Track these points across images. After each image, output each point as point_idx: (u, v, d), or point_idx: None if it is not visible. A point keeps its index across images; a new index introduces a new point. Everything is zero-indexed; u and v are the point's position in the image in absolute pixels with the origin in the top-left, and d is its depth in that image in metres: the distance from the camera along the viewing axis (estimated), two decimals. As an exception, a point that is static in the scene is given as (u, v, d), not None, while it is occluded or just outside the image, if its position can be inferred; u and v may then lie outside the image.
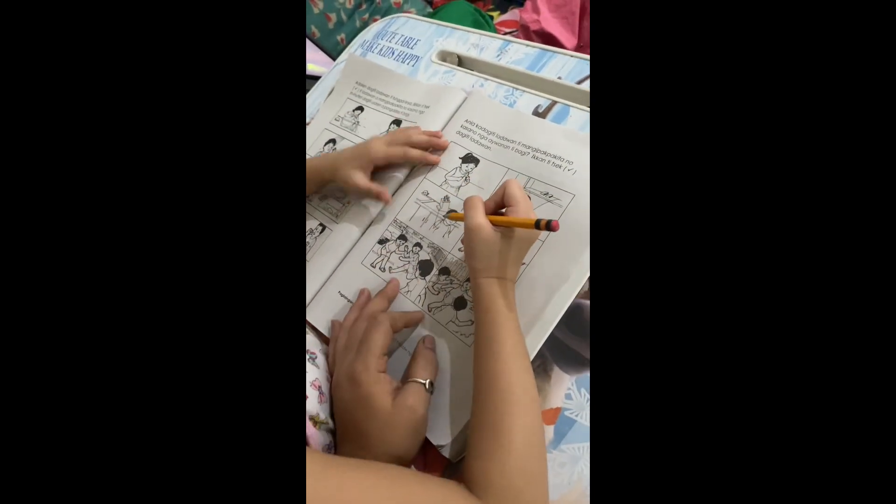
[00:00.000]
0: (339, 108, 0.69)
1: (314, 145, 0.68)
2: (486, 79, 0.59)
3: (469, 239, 0.42)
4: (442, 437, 0.42)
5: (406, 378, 0.42)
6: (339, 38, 1.29)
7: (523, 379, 0.38)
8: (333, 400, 0.44)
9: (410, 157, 0.55)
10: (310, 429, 0.41)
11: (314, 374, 0.46)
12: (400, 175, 0.57)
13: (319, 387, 0.45)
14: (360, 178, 0.54)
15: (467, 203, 0.43)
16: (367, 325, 0.45)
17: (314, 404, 0.42)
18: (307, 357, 0.47)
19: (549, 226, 0.37)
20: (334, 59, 1.15)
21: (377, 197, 0.55)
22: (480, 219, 0.41)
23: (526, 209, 0.42)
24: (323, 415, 0.43)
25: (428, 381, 0.42)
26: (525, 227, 0.40)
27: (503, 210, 0.43)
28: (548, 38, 0.88)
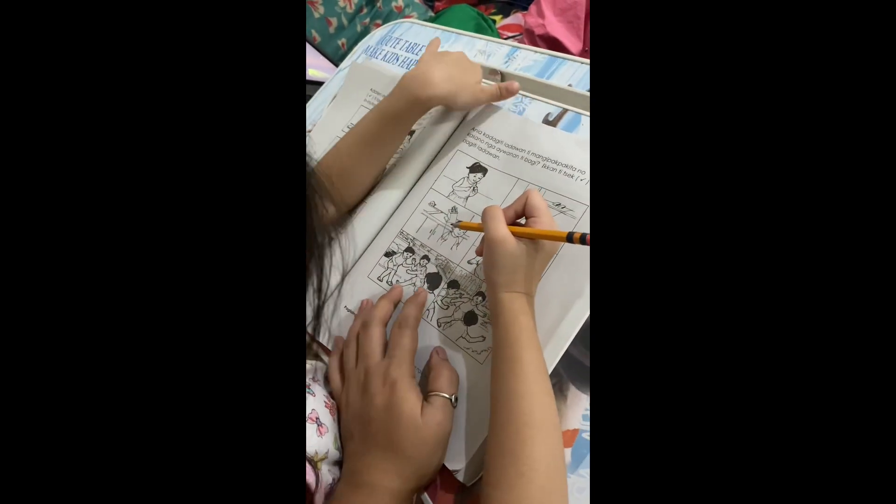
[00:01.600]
0: (352, 115, 0.68)
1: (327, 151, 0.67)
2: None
3: (491, 252, 0.40)
4: (457, 462, 0.40)
5: (429, 392, 0.41)
6: (339, 42, 1.27)
7: (545, 402, 0.36)
8: (348, 407, 0.42)
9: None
10: (309, 475, 0.38)
11: (310, 405, 0.43)
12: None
13: (317, 418, 0.42)
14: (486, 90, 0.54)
15: (487, 213, 0.41)
16: (395, 327, 0.44)
17: (312, 439, 0.40)
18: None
19: (584, 239, 0.36)
20: (336, 63, 1.14)
21: (508, 92, 0.54)
22: (504, 230, 0.39)
23: (549, 221, 0.40)
24: (323, 450, 0.41)
25: (454, 397, 0.40)
26: (554, 240, 0.38)
27: (522, 220, 0.42)
28: (553, 43, 0.87)
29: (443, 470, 0.42)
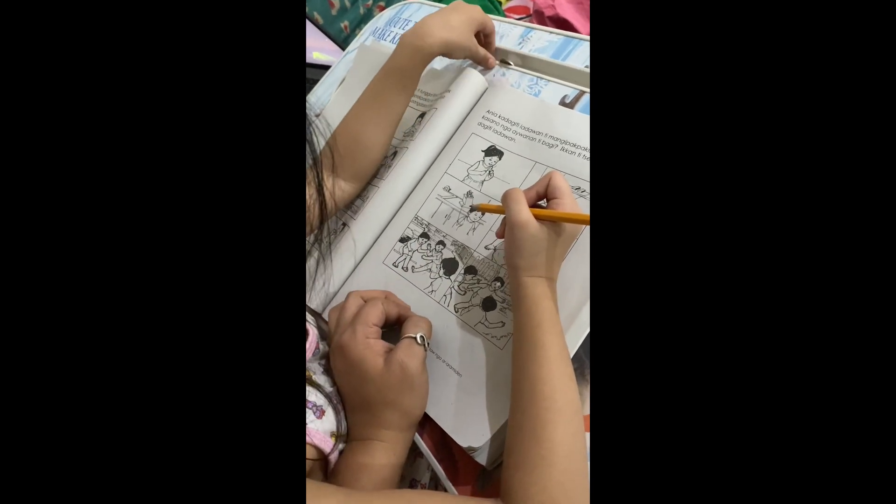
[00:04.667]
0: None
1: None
2: (509, 67, 0.57)
3: (514, 235, 0.39)
4: (477, 439, 0.40)
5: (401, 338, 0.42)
6: (342, 25, 1.25)
7: (568, 387, 0.36)
8: (333, 374, 0.43)
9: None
10: (330, 445, 0.40)
11: (330, 386, 0.44)
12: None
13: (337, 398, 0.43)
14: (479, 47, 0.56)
15: (509, 195, 0.41)
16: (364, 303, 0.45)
17: (331, 418, 0.41)
18: (321, 368, 0.46)
19: None
20: (340, 46, 1.12)
21: (486, 62, 0.58)
22: (526, 213, 0.39)
23: (572, 203, 0.39)
24: (344, 426, 0.42)
25: (419, 335, 0.41)
26: (578, 223, 0.38)
27: (543, 203, 0.41)
28: (562, 25, 0.85)
29: (463, 454, 0.42)
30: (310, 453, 0.39)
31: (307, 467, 0.39)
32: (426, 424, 0.45)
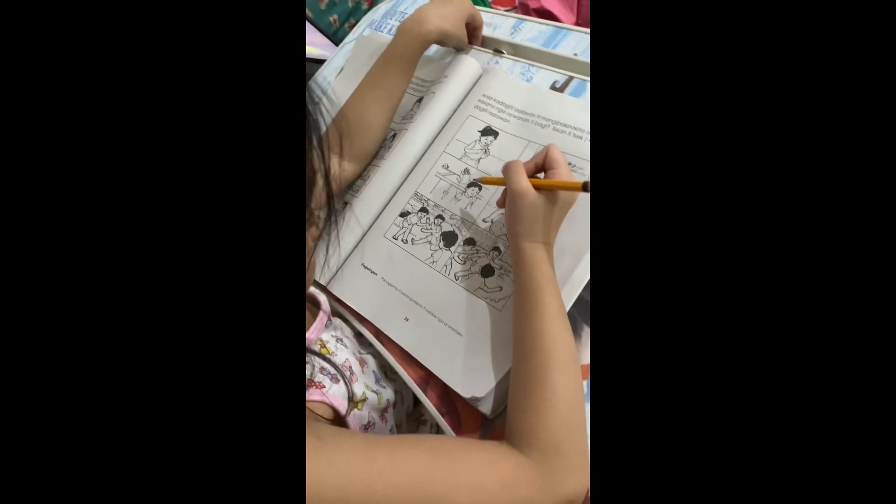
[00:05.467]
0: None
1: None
2: (502, 56, 0.61)
3: (514, 204, 0.43)
4: (480, 389, 0.44)
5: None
6: (331, 18, 1.28)
7: (566, 339, 0.40)
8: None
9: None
10: (345, 407, 0.42)
11: (344, 355, 0.47)
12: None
13: (350, 367, 0.46)
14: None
15: (509, 167, 0.44)
16: None
17: (344, 388, 0.43)
18: (335, 339, 0.49)
19: (585, 188, 0.40)
20: (330, 39, 1.15)
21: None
22: (525, 182, 0.42)
23: (567, 173, 0.43)
24: (359, 393, 0.45)
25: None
26: (571, 190, 0.41)
27: (541, 175, 0.45)
28: (546, 16, 0.89)
29: (466, 407, 0.46)
30: (326, 413, 0.42)
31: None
32: (430, 382, 0.48)
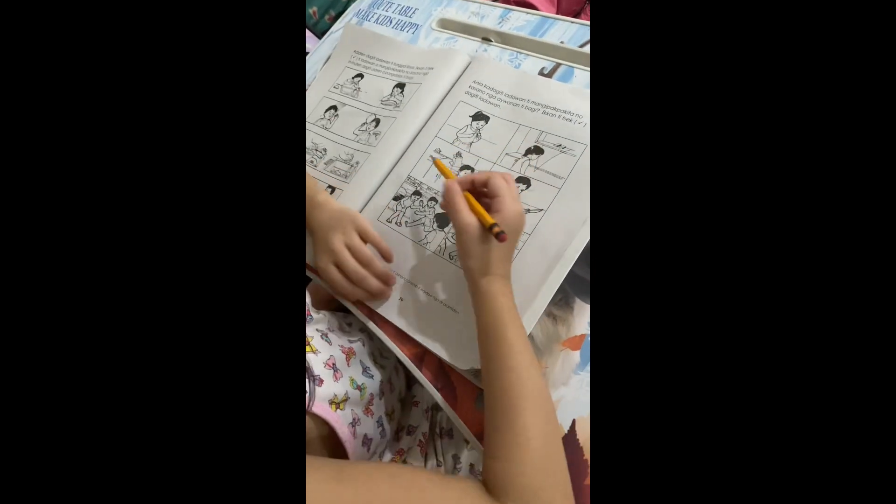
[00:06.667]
0: (338, 76, 0.71)
1: (314, 112, 0.69)
2: (490, 44, 0.63)
3: (461, 241, 0.42)
4: (478, 361, 0.45)
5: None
6: (311, 11, 1.28)
7: (534, 375, 0.39)
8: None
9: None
10: (330, 413, 0.42)
11: (328, 352, 0.46)
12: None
13: (333, 364, 0.46)
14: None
15: (447, 201, 0.44)
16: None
17: (330, 385, 0.43)
18: (319, 334, 0.48)
19: (498, 237, 0.40)
20: (310, 30, 1.15)
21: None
22: (467, 217, 0.42)
23: (512, 202, 0.42)
24: (341, 393, 0.44)
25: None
26: (483, 222, 0.41)
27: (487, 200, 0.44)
28: (527, 8, 0.92)
29: (461, 380, 0.47)
30: (314, 424, 0.41)
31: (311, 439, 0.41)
32: (424, 358, 0.49)
